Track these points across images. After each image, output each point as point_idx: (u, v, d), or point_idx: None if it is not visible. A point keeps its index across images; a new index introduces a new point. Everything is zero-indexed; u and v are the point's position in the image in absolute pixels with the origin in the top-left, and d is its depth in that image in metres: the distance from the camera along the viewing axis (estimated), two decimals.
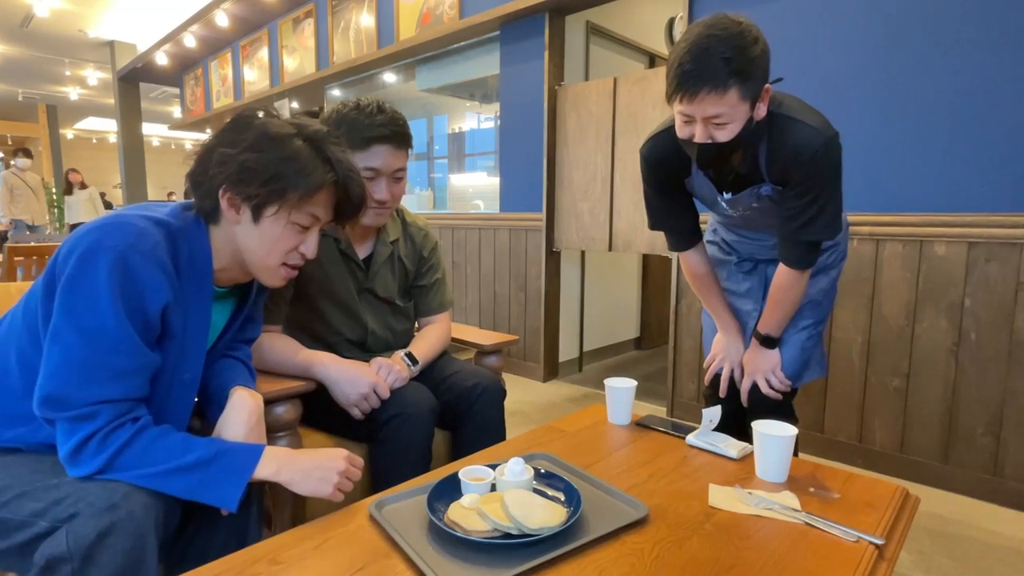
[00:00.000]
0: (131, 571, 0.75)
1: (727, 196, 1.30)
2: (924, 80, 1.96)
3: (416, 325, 1.57)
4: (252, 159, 0.88)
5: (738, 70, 1.03)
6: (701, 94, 1.05)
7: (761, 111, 1.12)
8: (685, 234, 1.42)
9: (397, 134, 1.29)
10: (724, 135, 1.09)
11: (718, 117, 1.07)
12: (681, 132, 1.14)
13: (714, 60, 1.03)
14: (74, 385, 0.79)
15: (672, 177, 1.33)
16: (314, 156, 0.92)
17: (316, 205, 0.94)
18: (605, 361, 3.81)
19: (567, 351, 3.49)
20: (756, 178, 1.24)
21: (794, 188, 1.19)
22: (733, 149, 1.14)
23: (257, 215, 0.91)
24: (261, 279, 0.98)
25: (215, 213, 0.93)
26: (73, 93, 10.07)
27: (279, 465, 0.88)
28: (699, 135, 1.10)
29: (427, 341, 1.46)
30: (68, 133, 13.10)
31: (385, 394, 1.26)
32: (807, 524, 0.86)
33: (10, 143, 13.83)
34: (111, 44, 7.27)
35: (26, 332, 0.87)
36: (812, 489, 0.97)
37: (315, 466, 0.90)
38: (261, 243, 0.93)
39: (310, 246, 0.96)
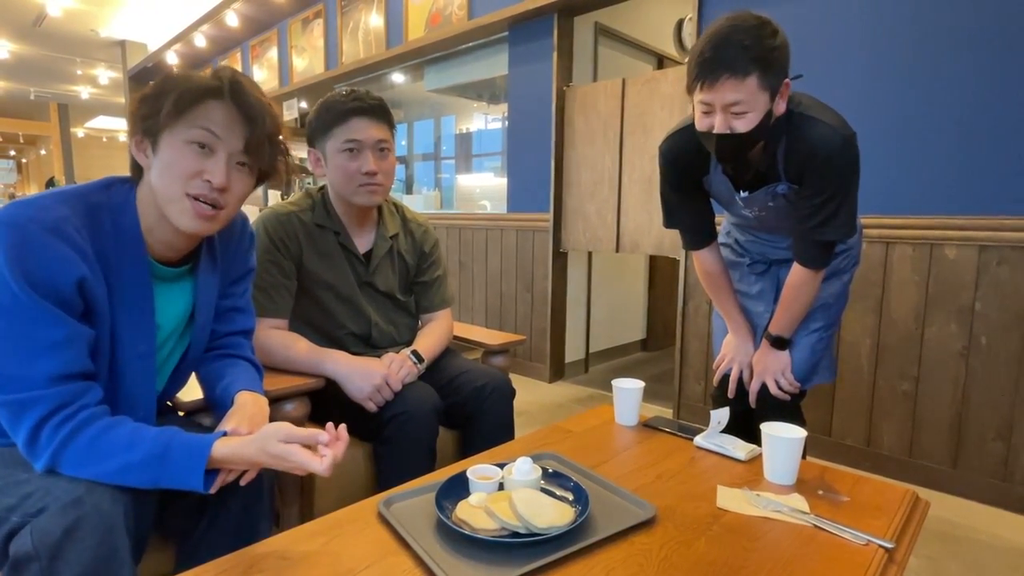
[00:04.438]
0: (103, 565, 0.74)
1: (743, 195, 1.30)
2: (935, 82, 1.95)
3: (419, 323, 1.57)
4: (140, 95, 0.90)
5: (757, 58, 1.05)
6: (721, 80, 1.07)
7: (780, 106, 1.13)
8: (700, 233, 1.42)
9: (372, 107, 1.33)
10: (743, 125, 1.10)
11: (737, 105, 1.08)
12: (700, 124, 1.15)
13: (734, 48, 1.05)
14: (5, 362, 0.78)
15: (690, 175, 1.34)
16: (196, 73, 0.92)
17: (205, 118, 0.89)
18: (611, 362, 3.80)
19: (573, 352, 3.48)
20: (773, 176, 1.24)
21: (810, 187, 1.20)
22: (752, 144, 1.14)
23: (155, 144, 0.89)
24: (174, 219, 0.91)
25: (137, 170, 0.93)
26: (84, 92, 10.14)
27: (233, 448, 0.84)
28: (718, 125, 1.11)
29: (430, 338, 1.47)
30: (79, 132, 13.19)
31: (396, 386, 1.27)
32: (816, 527, 0.86)
33: (21, 141, 13.97)
34: (122, 44, 7.32)
35: None
36: (821, 492, 0.97)
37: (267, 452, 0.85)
38: (163, 173, 0.89)
39: (216, 172, 0.90)
